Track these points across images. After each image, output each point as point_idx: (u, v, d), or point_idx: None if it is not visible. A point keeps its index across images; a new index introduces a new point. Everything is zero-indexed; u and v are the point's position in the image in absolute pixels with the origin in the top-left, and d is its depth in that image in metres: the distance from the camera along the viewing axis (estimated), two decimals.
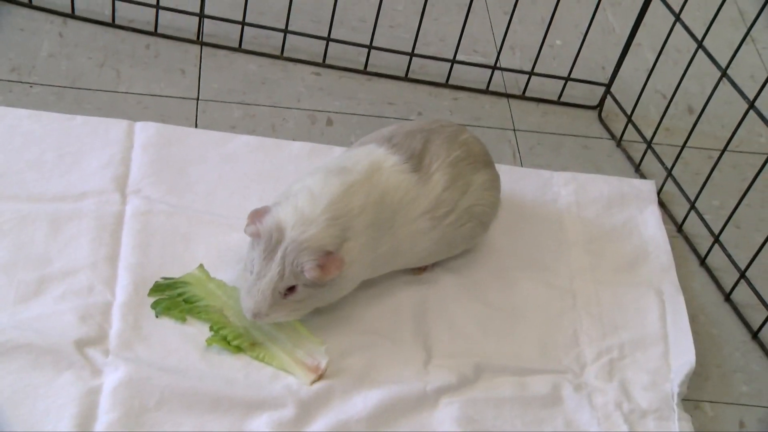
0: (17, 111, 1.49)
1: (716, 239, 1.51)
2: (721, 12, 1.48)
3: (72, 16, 1.68)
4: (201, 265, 1.32)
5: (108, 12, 1.69)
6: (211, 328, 1.25)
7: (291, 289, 1.22)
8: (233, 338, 1.24)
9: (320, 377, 1.23)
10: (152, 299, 1.29)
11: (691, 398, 1.34)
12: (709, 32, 1.50)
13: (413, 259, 1.35)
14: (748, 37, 1.45)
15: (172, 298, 1.29)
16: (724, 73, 1.46)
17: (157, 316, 1.27)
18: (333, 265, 1.21)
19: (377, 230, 1.27)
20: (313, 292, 1.23)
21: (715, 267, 1.52)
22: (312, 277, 1.20)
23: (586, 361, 1.34)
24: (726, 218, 1.50)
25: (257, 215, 1.24)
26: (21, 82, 1.56)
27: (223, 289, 1.30)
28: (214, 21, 1.70)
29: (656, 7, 1.64)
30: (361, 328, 1.32)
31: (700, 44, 1.51)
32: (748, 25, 1.47)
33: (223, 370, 1.23)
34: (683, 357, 1.35)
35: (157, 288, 1.30)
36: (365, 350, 1.29)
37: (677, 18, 1.55)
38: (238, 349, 1.24)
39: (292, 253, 1.21)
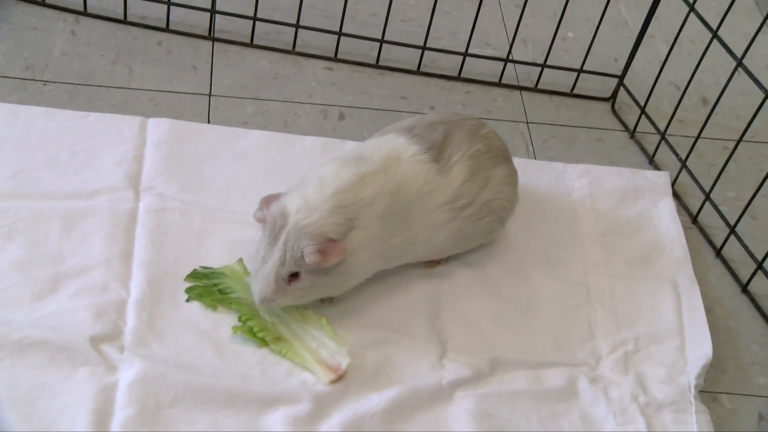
0: (31, 109, 1.49)
1: (732, 230, 1.50)
2: (735, 2, 1.47)
3: (84, 13, 1.69)
4: (240, 259, 1.33)
5: (120, 9, 1.69)
6: (239, 318, 1.26)
7: (295, 276, 1.23)
8: (259, 330, 1.25)
9: (340, 378, 1.23)
10: (165, 296, 1.29)
11: (709, 390, 1.33)
12: (724, 22, 1.49)
13: (430, 251, 1.35)
14: (763, 27, 1.43)
15: (207, 286, 1.30)
16: (739, 63, 1.45)
17: (187, 301, 1.28)
18: (334, 252, 1.21)
19: (390, 221, 1.26)
20: (316, 279, 1.23)
21: (731, 258, 1.51)
22: (311, 262, 1.20)
23: (601, 354, 1.33)
24: (742, 209, 1.49)
25: (267, 201, 1.26)
26: (35, 80, 1.57)
27: None
28: (225, 17, 1.70)
29: None
30: (376, 323, 1.31)
31: (715, 34, 1.50)
32: (764, 14, 1.45)
33: (238, 367, 1.23)
34: (700, 349, 1.34)
35: (195, 275, 1.31)
36: (380, 345, 1.29)
37: (691, 8, 1.54)
38: (263, 342, 1.25)
39: (293, 238, 1.21)
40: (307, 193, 1.24)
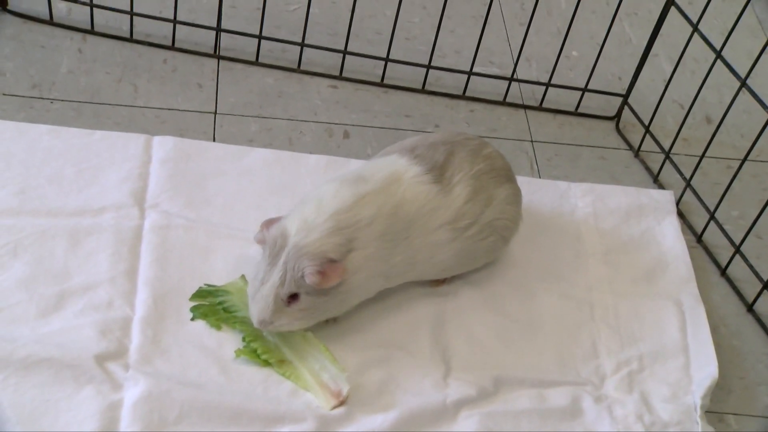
0: (38, 127, 1.50)
1: (737, 249, 1.50)
2: (739, 21, 1.48)
3: (91, 32, 1.70)
4: (243, 276, 1.33)
5: (126, 27, 1.70)
6: (243, 339, 1.26)
7: (294, 297, 1.22)
8: (263, 352, 1.25)
9: (341, 403, 1.23)
10: (170, 313, 1.29)
11: (715, 411, 1.33)
12: (728, 42, 1.49)
13: (432, 270, 1.35)
14: None
15: (212, 305, 1.30)
16: (743, 83, 1.46)
17: (192, 319, 1.28)
18: (334, 273, 1.21)
19: (389, 241, 1.27)
20: (316, 300, 1.23)
21: (737, 278, 1.51)
22: (312, 282, 1.20)
23: (605, 373, 1.33)
24: (746, 228, 1.49)
25: (268, 224, 1.26)
26: (42, 98, 1.58)
27: None
28: (230, 35, 1.71)
29: (673, 18, 1.64)
30: (380, 341, 1.31)
31: (719, 54, 1.50)
32: None
33: (242, 385, 1.23)
34: (705, 369, 1.34)
35: (200, 294, 1.31)
36: (384, 363, 1.29)
37: (695, 28, 1.54)
38: (266, 363, 1.25)
39: (293, 258, 1.21)
40: (306, 213, 1.24)
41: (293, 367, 1.25)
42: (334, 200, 1.25)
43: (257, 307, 1.23)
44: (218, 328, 1.28)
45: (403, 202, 1.28)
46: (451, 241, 1.32)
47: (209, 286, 1.32)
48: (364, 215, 1.25)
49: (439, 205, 1.30)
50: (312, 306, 1.23)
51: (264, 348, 1.25)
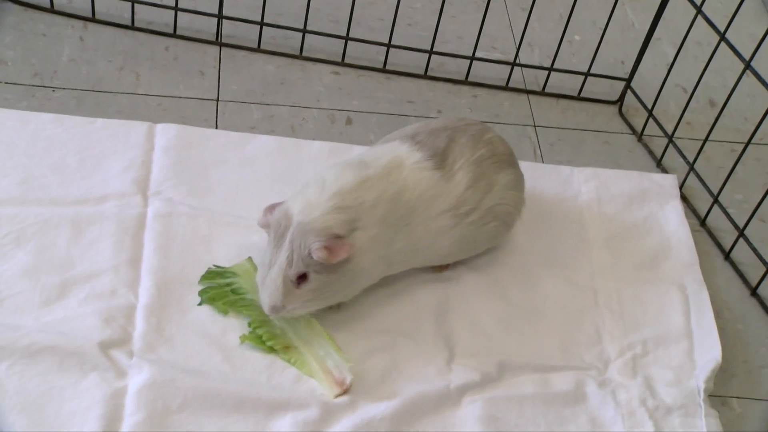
0: (40, 116, 1.50)
1: (741, 233, 1.50)
2: (742, 4, 1.47)
3: (92, 20, 1.69)
4: (250, 258, 1.33)
5: (127, 15, 1.70)
6: (249, 324, 1.27)
7: (303, 277, 1.22)
8: (268, 338, 1.25)
9: (345, 392, 1.23)
10: (173, 301, 1.29)
11: (718, 394, 1.33)
12: (731, 25, 1.49)
13: (434, 256, 1.35)
14: None
15: (220, 287, 1.30)
16: (747, 66, 1.45)
17: (200, 304, 1.28)
18: (341, 248, 1.21)
19: (391, 225, 1.26)
20: (325, 279, 1.23)
21: (740, 261, 1.51)
22: (319, 258, 1.20)
23: (609, 358, 1.33)
24: (750, 212, 1.48)
25: (271, 209, 1.26)
26: (44, 86, 1.57)
27: None
28: (232, 22, 1.70)
29: (676, 2, 1.63)
30: (383, 327, 1.32)
31: (722, 37, 1.49)
32: None
33: (246, 372, 1.24)
34: (708, 353, 1.34)
35: (208, 275, 1.31)
36: (387, 349, 1.29)
37: (699, 10, 1.54)
38: (271, 350, 1.25)
39: (299, 236, 1.21)
40: (309, 194, 1.24)
41: (299, 353, 1.25)
42: (337, 182, 1.25)
43: (267, 292, 1.23)
44: (225, 312, 1.28)
45: (405, 189, 1.28)
46: (452, 228, 1.32)
47: (218, 267, 1.32)
48: (367, 198, 1.25)
49: (440, 191, 1.30)
50: (322, 285, 1.23)
51: (269, 334, 1.26)
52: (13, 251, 1.31)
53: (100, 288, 1.29)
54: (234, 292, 1.29)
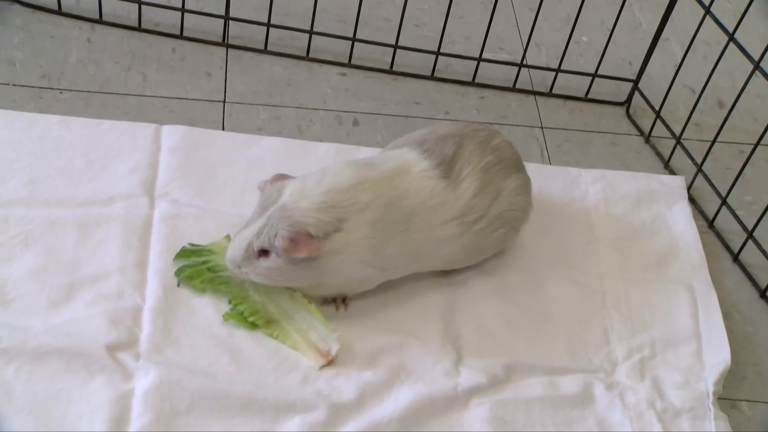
0: (47, 117, 1.50)
1: (750, 235, 1.49)
2: (752, 4, 1.46)
3: (100, 21, 1.70)
4: (227, 236, 1.34)
5: (134, 16, 1.70)
6: (229, 302, 1.28)
7: (265, 253, 1.24)
8: (249, 314, 1.26)
9: (330, 363, 1.24)
10: (180, 303, 1.29)
11: (728, 397, 1.32)
12: (740, 25, 1.48)
13: (440, 262, 1.34)
14: None
15: (196, 265, 1.30)
16: (757, 66, 1.44)
17: (178, 285, 1.29)
18: (305, 247, 1.21)
19: (381, 230, 1.26)
20: (284, 266, 1.23)
21: (749, 263, 1.50)
22: (279, 245, 1.21)
23: (617, 360, 1.33)
24: (759, 213, 1.48)
25: (277, 178, 1.29)
26: (51, 88, 1.58)
27: None
28: (239, 23, 1.70)
29: (684, 2, 1.63)
30: (391, 329, 1.31)
31: (731, 37, 1.49)
32: None
33: (253, 374, 1.24)
34: (718, 355, 1.34)
35: (183, 253, 1.32)
36: (395, 351, 1.29)
37: (707, 11, 1.53)
38: (254, 326, 1.26)
39: (276, 216, 1.23)
40: (307, 182, 1.26)
41: (281, 327, 1.26)
42: (335, 178, 1.26)
43: (233, 246, 1.26)
44: (204, 291, 1.29)
45: (406, 195, 1.28)
46: (460, 236, 1.31)
47: (193, 245, 1.33)
48: (360, 199, 1.25)
49: (446, 200, 1.29)
50: (279, 269, 1.24)
51: (251, 310, 1.26)
52: (21, 253, 1.31)
53: (107, 289, 1.29)
54: (210, 270, 1.30)
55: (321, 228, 1.23)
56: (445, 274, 1.39)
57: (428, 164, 1.31)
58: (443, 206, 1.29)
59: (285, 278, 1.26)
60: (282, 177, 1.29)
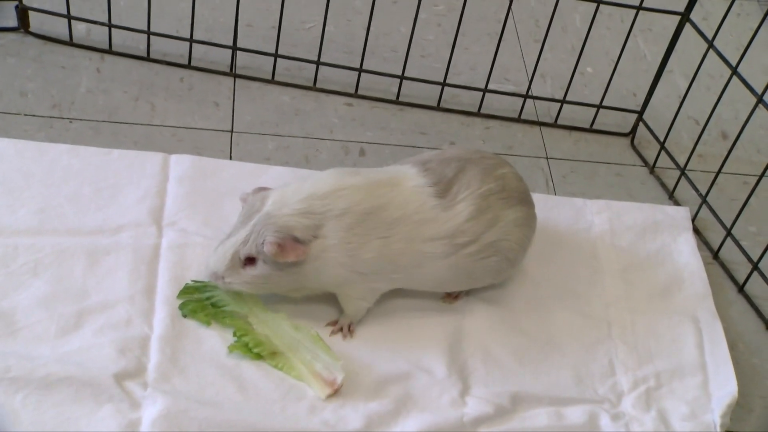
0: (57, 146, 1.51)
1: (755, 266, 1.49)
2: (755, 37, 1.48)
3: (110, 51, 1.71)
4: None
5: (143, 47, 1.72)
6: (234, 334, 1.28)
7: (251, 261, 1.25)
8: (254, 345, 1.27)
9: (336, 392, 1.24)
10: (188, 332, 1.30)
11: (735, 430, 1.32)
12: (744, 57, 1.49)
13: (428, 280, 1.33)
14: None
15: (200, 301, 1.31)
16: (760, 99, 1.45)
17: (183, 317, 1.30)
18: (293, 251, 1.23)
19: (357, 235, 1.27)
20: (270, 272, 1.25)
21: (755, 294, 1.50)
22: (268, 251, 1.23)
23: (622, 391, 1.33)
24: (764, 245, 1.48)
25: (257, 190, 1.30)
26: (62, 117, 1.59)
27: (250, 295, 1.32)
28: (247, 53, 1.72)
29: (688, 34, 1.64)
30: (398, 358, 1.31)
31: (734, 70, 1.50)
32: None
33: (260, 403, 1.24)
34: (724, 387, 1.33)
35: (187, 290, 1.33)
36: (402, 381, 1.29)
37: (710, 45, 1.55)
38: (258, 357, 1.27)
39: (261, 224, 1.25)
40: (288, 190, 1.28)
41: (285, 358, 1.27)
42: (315, 185, 1.28)
43: (214, 258, 1.27)
44: (208, 324, 1.30)
45: (387, 206, 1.28)
46: (446, 256, 1.31)
47: (196, 282, 1.33)
48: (336, 206, 1.26)
49: (436, 218, 1.30)
50: (265, 275, 1.26)
51: (255, 341, 1.27)
52: (30, 281, 1.32)
53: (115, 318, 1.29)
54: (214, 305, 1.31)
55: (305, 232, 1.25)
56: (448, 300, 1.39)
57: (424, 181, 1.31)
58: (430, 223, 1.30)
59: (271, 284, 1.27)
60: (264, 188, 1.31)
